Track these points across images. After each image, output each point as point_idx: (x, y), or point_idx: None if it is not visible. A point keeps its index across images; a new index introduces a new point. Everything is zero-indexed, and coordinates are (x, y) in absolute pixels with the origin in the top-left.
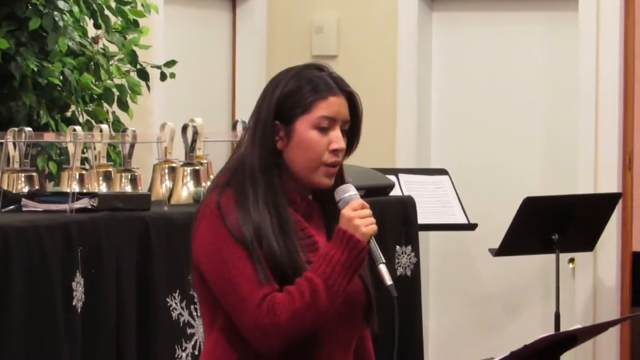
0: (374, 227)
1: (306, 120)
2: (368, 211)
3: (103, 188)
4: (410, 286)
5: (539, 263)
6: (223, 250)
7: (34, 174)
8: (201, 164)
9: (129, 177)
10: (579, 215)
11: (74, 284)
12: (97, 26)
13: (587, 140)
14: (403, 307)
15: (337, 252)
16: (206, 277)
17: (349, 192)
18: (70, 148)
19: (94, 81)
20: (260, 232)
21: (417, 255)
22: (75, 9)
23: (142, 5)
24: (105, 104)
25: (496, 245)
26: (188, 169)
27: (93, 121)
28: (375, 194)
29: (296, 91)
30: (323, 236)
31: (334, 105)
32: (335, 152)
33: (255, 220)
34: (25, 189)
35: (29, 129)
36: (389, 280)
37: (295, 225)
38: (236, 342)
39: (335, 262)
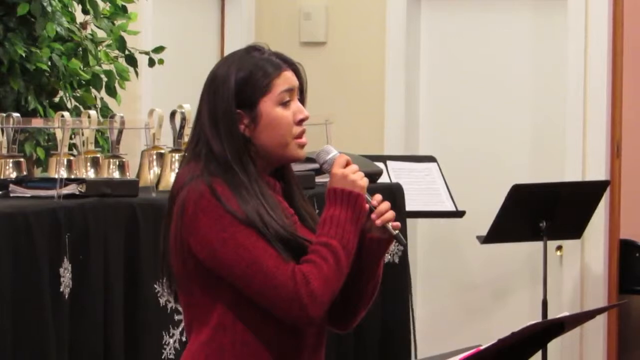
0: (366, 180)
1: (268, 100)
2: (355, 166)
3: (91, 174)
4: (398, 273)
5: (527, 250)
6: (236, 234)
7: (22, 159)
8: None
9: (117, 163)
10: (566, 202)
11: (61, 269)
12: (85, 12)
13: (575, 127)
14: (391, 294)
15: (341, 211)
16: (218, 265)
17: (331, 152)
18: (58, 134)
19: (82, 67)
20: (262, 216)
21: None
22: None
23: None
24: (93, 90)
25: (484, 232)
26: (176, 155)
27: (81, 107)
28: None
29: (250, 77)
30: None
31: (287, 78)
32: (301, 121)
33: (254, 205)
34: (13, 175)
35: (17, 114)
36: (394, 230)
37: (281, 206)
38: (247, 315)
39: (343, 221)
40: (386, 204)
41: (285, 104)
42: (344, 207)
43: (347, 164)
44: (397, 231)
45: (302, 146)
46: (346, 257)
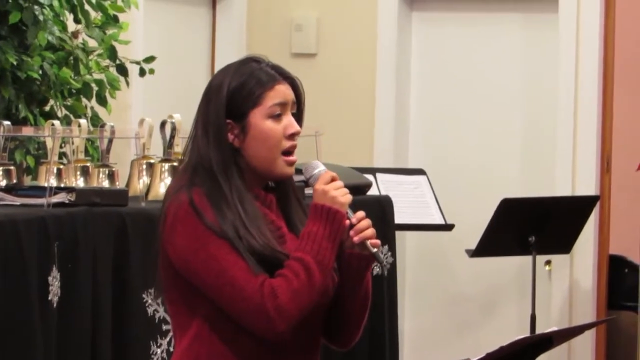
0: (350, 197)
1: (259, 112)
2: (340, 182)
3: (81, 183)
4: (386, 286)
5: (516, 265)
6: (209, 245)
7: (12, 167)
8: (179, 160)
9: (107, 172)
10: (556, 217)
11: (50, 278)
12: (77, 21)
13: (565, 141)
14: (379, 306)
15: (319, 228)
16: (191, 275)
17: (317, 167)
18: (49, 142)
19: (73, 76)
20: (237, 229)
21: (393, 255)
22: (56, 3)
23: (122, 0)
24: (84, 99)
25: (473, 246)
26: (166, 165)
27: (72, 116)
28: (353, 193)
29: (242, 87)
30: (284, 226)
31: (281, 92)
32: (292, 136)
33: (230, 218)
34: (3, 183)
35: (8, 122)
36: (372, 248)
37: (265, 219)
38: (222, 327)
39: (320, 237)
40: (366, 222)
41: (276, 118)
42: (322, 223)
43: (331, 180)
44: (375, 249)
45: (290, 164)
46: (321, 273)
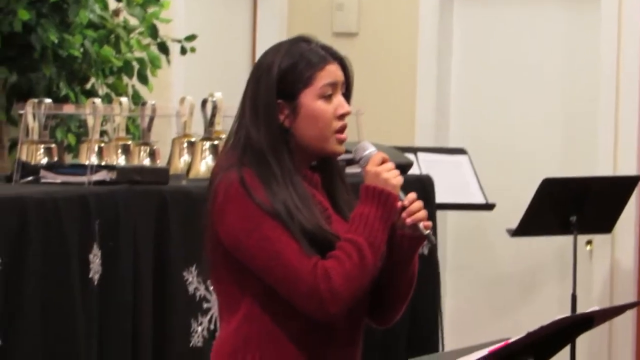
0: (401, 179)
1: (310, 92)
2: (391, 164)
3: (121, 161)
4: (427, 265)
5: (557, 244)
6: (262, 226)
7: (53, 145)
8: (220, 139)
9: (148, 150)
10: (597, 197)
11: (90, 256)
12: None
13: (607, 122)
14: (419, 285)
15: (371, 209)
16: (243, 255)
17: (368, 149)
18: (90, 120)
19: (114, 54)
20: (289, 210)
21: (434, 235)
22: None
23: None
24: (125, 77)
25: (514, 225)
26: (207, 144)
27: (113, 94)
28: None
29: (293, 68)
30: (330, 207)
31: (331, 72)
32: (343, 116)
33: (282, 198)
34: (44, 161)
35: (49, 100)
36: (425, 230)
37: (314, 200)
38: (273, 307)
39: (372, 219)
40: (418, 203)
41: (327, 98)
42: (374, 205)
43: (382, 162)
44: (428, 231)
45: (341, 141)
46: (373, 255)
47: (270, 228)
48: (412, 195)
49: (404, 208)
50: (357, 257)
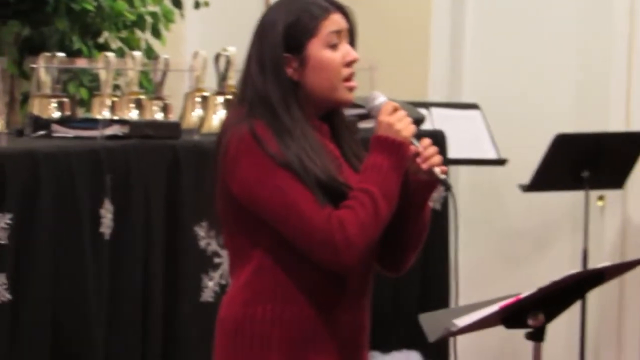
0: (413, 127)
1: (316, 42)
2: (403, 112)
3: (134, 115)
4: (440, 220)
5: (569, 200)
6: (274, 177)
7: (65, 99)
8: (233, 93)
9: (160, 105)
10: (609, 152)
11: (102, 210)
12: None
13: (619, 77)
14: (431, 239)
15: (384, 159)
16: (256, 207)
17: (378, 98)
18: (102, 74)
19: (127, 8)
20: (302, 160)
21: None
22: None
23: None
24: (138, 31)
25: (526, 180)
26: (220, 98)
27: (126, 48)
28: None
29: (297, 21)
30: (340, 156)
31: (335, 20)
32: (350, 63)
33: (294, 149)
34: (56, 115)
35: (62, 54)
36: (441, 175)
37: (325, 149)
38: (286, 258)
39: (385, 168)
40: (433, 148)
41: (333, 46)
42: (386, 154)
43: (394, 111)
44: (444, 175)
45: (351, 89)
46: (386, 205)
47: (283, 178)
48: (427, 140)
49: (417, 154)
50: (371, 207)
